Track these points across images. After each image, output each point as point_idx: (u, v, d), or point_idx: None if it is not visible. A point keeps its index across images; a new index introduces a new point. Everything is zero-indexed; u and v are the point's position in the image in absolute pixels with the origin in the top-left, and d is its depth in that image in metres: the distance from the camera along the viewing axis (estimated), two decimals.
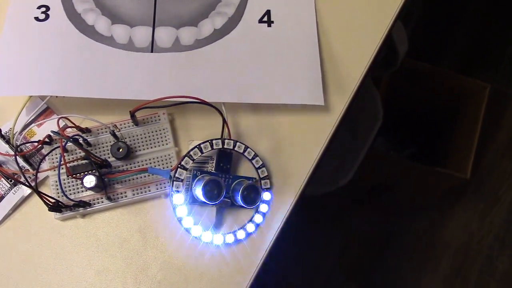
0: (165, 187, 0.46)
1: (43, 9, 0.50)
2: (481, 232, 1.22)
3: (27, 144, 0.47)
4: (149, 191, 0.46)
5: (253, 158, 0.47)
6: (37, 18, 0.49)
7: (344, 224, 1.21)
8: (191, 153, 0.45)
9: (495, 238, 1.21)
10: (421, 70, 1.15)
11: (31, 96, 0.46)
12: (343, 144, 0.91)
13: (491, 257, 1.20)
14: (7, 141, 0.46)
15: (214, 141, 0.45)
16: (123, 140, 0.46)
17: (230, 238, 0.45)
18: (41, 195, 0.41)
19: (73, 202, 0.44)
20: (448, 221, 1.23)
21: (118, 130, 0.46)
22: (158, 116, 0.47)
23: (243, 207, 0.45)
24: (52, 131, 0.44)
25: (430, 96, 1.21)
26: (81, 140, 0.45)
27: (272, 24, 0.52)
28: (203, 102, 0.44)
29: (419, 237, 1.23)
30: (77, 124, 0.45)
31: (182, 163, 0.44)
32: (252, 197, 0.44)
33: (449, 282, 1.19)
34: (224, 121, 0.46)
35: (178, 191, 0.44)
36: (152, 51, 0.49)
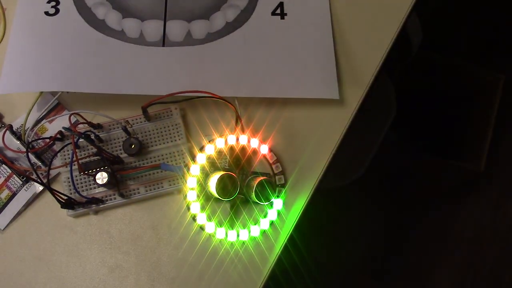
0: (178, 184, 0.45)
1: (53, 3, 0.49)
2: (495, 224, 1.21)
3: (39, 141, 0.46)
4: (162, 187, 0.45)
5: (267, 153, 0.46)
6: (47, 13, 0.49)
7: (356, 217, 1.20)
8: (204, 148, 0.44)
9: (509, 231, 1.20)
10: (434, 61, 1.13)
11: (42, 92, 0.46)
12: (356, 137, 0.90)
13: (505, 250, 1.19)
14: (19, 138, 0.46)
15: (227, 137, 0.44)
16: (135, 136, 0.45)
17: (244, 235, 0.44)
18: (53, 192, 0.41)
19: (85, 199, 0.43)
20: (461, 214, 1.22)
21: (130, 125, 0.46)
22: (170, 111, 0.47)
23: (257, 203, 0.44)
24: (64, 127, 0.44)
25: (444, 87, 1.19)
26: (93, 136, 0.44)
27: (285, 17, 0.51)
28: (216, 97, 0.44)
29: (432, 229, 1.22)
30: (88, 120, 0.45)
31: (195, 159, 0.44)
32: (266, 193, 0.43)
33: (462, 275, 1.18)
34: (238, 116, 0.45)
35: (191, 188, 0.43)
36: (163, 45, 0.48)
